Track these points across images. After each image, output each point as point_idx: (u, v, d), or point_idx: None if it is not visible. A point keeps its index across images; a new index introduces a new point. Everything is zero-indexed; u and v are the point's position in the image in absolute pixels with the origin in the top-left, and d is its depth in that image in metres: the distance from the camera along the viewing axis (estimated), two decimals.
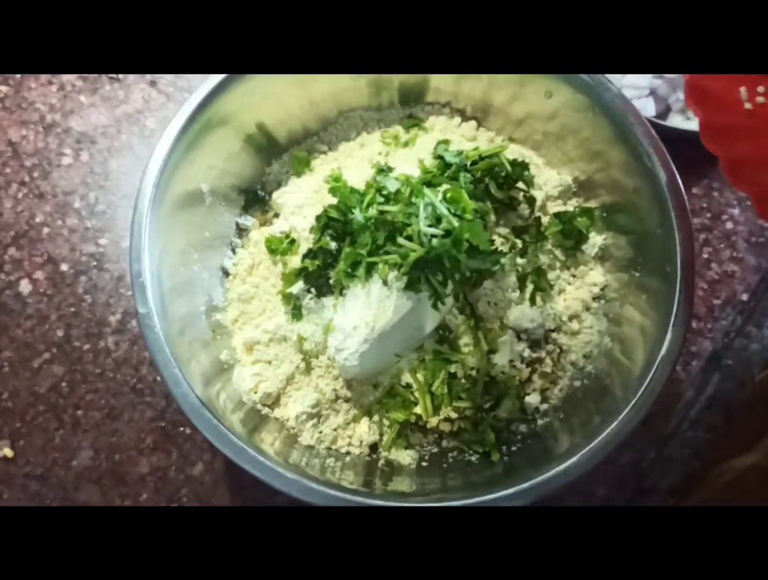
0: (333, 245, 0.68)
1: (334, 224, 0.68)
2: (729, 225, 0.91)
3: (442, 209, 0.62)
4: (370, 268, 0.65)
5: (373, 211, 0.65)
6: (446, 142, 0.75)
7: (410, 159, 0.75)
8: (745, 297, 0.87)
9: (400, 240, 0.63)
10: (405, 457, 0.70)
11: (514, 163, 0.73)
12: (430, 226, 0.62)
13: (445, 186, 0.66)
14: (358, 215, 0.65)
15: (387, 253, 0.63)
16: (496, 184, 0.73)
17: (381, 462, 0.68)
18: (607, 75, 0.88)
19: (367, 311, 0.65)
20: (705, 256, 0.89)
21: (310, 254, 0.70)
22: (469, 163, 0.71)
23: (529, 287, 0.71)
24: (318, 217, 0.68)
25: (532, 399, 0.70)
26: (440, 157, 0.71)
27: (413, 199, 0.64)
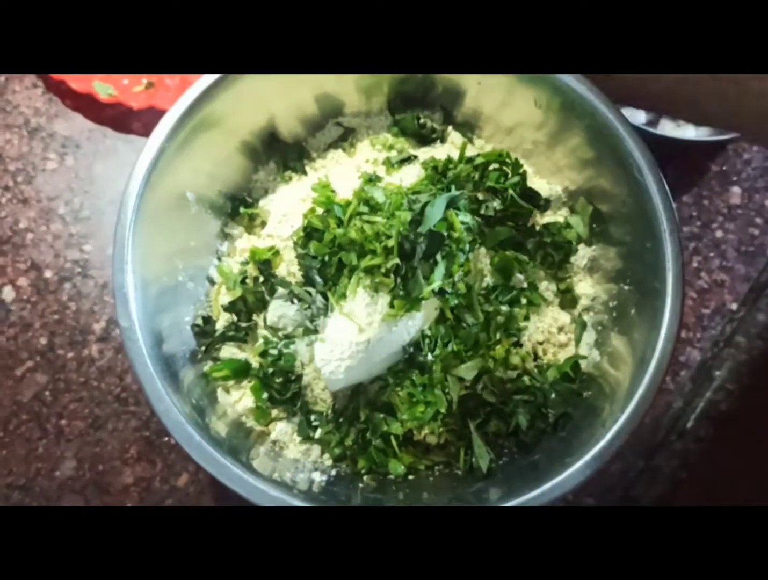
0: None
1: (317, 235, 0.67)
2: (719, 233, 0.90)
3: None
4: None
5: (356, 223, 0.64)
6: None
7: None
8: (734, 306, 0.87)
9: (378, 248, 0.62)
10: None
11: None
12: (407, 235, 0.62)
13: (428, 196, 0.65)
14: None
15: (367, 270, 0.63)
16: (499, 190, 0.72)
17: (367, 477, 0.68)
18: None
19: (354, 323, 0.64)
20: (694, 265, 0.89)
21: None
22: (464, 174, 0.70)
23: (524, 304, 0.70)
24: (303, 229, 0.68)
25: None
26: (434, 168, 0.70)
27: (395, 212, 0.63)
